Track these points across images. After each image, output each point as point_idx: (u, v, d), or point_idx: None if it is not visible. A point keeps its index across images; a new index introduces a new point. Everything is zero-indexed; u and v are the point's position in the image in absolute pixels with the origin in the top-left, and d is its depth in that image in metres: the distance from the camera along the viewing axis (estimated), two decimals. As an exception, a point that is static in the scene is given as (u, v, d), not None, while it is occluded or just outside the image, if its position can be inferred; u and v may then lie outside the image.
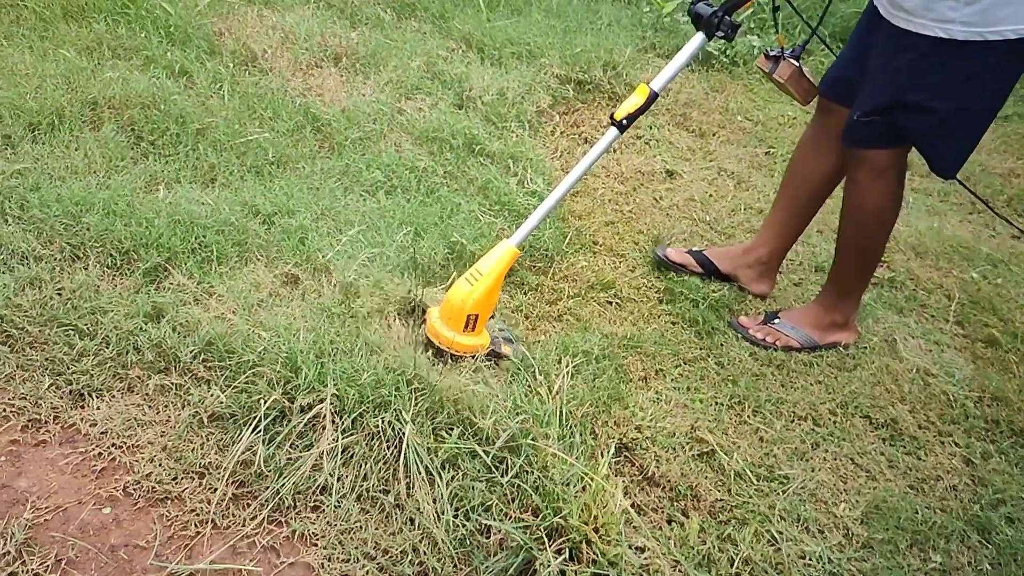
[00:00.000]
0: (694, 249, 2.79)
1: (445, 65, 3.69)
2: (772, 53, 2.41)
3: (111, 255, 2.28)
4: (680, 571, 1.77)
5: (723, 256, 2.73)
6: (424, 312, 2.24)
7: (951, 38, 1.94)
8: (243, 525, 1.76)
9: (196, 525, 1.75)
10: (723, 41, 2.21)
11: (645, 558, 1.76)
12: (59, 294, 2.14)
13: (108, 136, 2.78)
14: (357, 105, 3.27)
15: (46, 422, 1.90)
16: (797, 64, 2.38)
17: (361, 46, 3.70)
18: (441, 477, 1.83)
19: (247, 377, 1.95)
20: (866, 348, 2.55)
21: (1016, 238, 3.33)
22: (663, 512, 1.94)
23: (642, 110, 2.17)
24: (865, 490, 2.09)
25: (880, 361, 2.51)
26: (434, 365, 2.10)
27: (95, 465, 1.83)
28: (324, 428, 1.90)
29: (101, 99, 2.92)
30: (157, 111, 2.92)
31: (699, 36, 2.20)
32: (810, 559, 1.86)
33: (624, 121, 2.17)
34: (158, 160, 2.77)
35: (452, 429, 1.91)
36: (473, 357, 2.14)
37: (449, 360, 2.14)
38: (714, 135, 3.79)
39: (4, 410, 1.90)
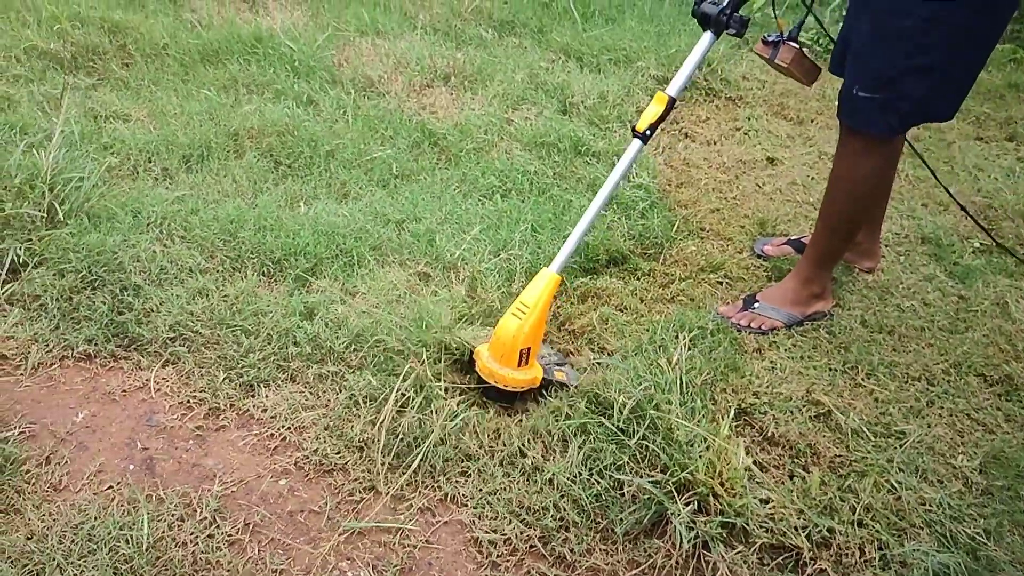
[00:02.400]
0: (792, 238, 2.89)
1: (547, 75, 3.90)
2: (771, 39, 2.38)
3: (265, 264, 2.56)
4: (804, 519, 1.88)
5: None
6: (471, 353, 2.22)
7: None
8: (401, 490, 1.96)
9: (360, 492, 1.96)
10: (734, 37, 2.22)
11: (770, 508, 1.89)
12: (224, 300, 2.40)
13: (251, 162, 3.09)
14: (469, 119, 3.50)
15: (224, 410, 2.16)
16: (797, 47, 2.36)
17: (467, 64, 3.95)
18: (573, 442, 2.00)
19: (395, 362, 2.17)
20: (977, 311, 2.60)
21: None
22: (784, 468, 2.05)
23: (663, 118, 2.17)
24: (982, 442, 2.16)
25: (992, 323, 2.56)
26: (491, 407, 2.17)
27: (269, 444, 2.08)
28: (465, 403, 2.12)
29: (242, 130, 3.24)
30: (291, 137, 3.22)
31: (708, 36, 2.17)
32: (930, 505, 1.95)
33: (647, 132, 2.16)
34: (296, 180, 3.06)
35: (580, 399, 2.10)
36: (531, 391, 2.17)
37: (516, 398, 2.17)
38: (812, 121, 3.88)
39: (188, 401, 2.17)
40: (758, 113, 3.89)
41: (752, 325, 2.51)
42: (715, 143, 3.65)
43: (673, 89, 2.17)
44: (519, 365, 2.11)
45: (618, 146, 3.34)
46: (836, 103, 2.28)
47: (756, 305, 2.55)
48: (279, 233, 2.63)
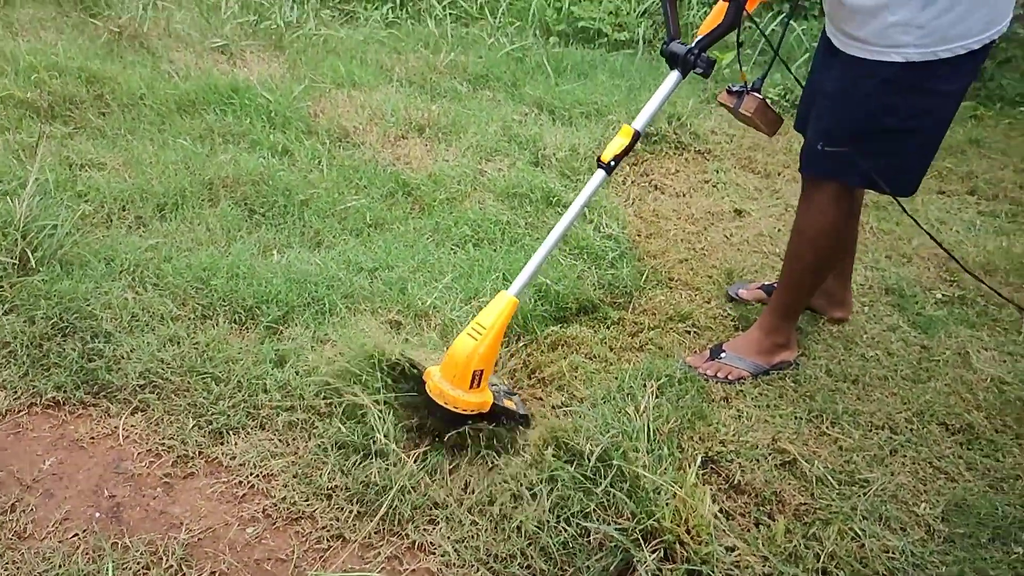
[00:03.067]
0: (766, 284, 2.95)
1: (520, 128, 3.97)
2: (735, 88, 2.40)
3: (237, 312, 2.57)
4: (769, 566, 1.90)
5: None
6: (420, 374, 2.18)
7: (908, 61, 2.00)
8: (368, 538, 1.96)
9: (328, 540, 1.96)
10: (701, 77, 2.26)
11: (736, 556, 1.91)
12: (195, 348, 2.41)
13: (225, 211, 3.11)
14: (442, 170, 3.55)
15: (192, 457, 2.15)
16: (760, 97, 2.37)
17: (442, 117, 4.01)
18: (541, 489, 2.01)
19: (363, 410, 2.17)
20: (939, 361, 2.66)
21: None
22: (750, 516, 2.07)
23: (627, 150, 2.18)
24: (945, 490, 2.19)
25: (954, 372, 2.61)
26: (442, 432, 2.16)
27: (237, 492, 2.07)
28: (433, 450, 2.13)
29: (216, 179, 3.26)
30: (266, 186, 3.25)
31: (674, 75, 2.19)
32: (893, 553, 1.97)
33: (612, 163, 2.17)
34: (270, 229, 3.08)
35: (547, 447, 2.11)
36: (480, 415, 2.14)
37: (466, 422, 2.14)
38: (779, 175, 3.97)
39: (156, 449, 2.17)
40: (726, 166, 3.98)
41: (719, 375, 2.54)
42: (684, 195, 3.72)
43: (639, 123, 2.19)
44: (471, 387, 2.08)
45: (589, 197, 3.40)
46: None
47: (723, 355, 2.58)
48: (251, 281, 2.65)
